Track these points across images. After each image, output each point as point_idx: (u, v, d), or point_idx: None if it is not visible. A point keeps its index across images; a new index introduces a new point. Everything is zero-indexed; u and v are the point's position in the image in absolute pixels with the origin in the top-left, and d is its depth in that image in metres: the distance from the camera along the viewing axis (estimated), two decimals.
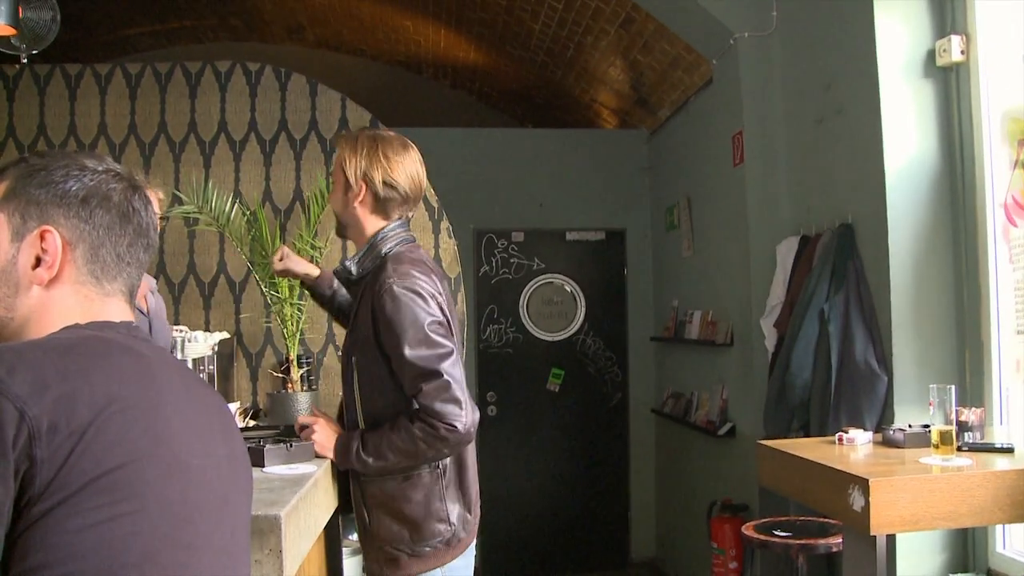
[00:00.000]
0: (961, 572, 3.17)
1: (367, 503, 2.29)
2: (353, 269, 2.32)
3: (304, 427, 2.40)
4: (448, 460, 2.28)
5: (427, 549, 2.25)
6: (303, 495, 1.99)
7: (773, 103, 4.18)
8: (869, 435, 2.69)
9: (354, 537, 3.93)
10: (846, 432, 2.68)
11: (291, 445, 2.33)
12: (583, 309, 6.26)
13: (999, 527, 3.08)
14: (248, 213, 4.09)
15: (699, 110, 5.14)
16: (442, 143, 5.69)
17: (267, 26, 6.62)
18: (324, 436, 2.34)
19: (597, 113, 6.67)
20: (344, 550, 3.51)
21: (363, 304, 2.25)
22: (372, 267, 2.29)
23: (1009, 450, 2.40)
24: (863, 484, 2.10)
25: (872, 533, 2.13)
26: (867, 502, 2.08)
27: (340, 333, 4.39)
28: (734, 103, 4.38)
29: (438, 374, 2.11)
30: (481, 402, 6.04)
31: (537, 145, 6.26)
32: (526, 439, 6.13)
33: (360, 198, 2.28)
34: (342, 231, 2.39)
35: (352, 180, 2.28)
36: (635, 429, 6.24)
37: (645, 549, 6.22)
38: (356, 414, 2.32)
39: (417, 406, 2.14)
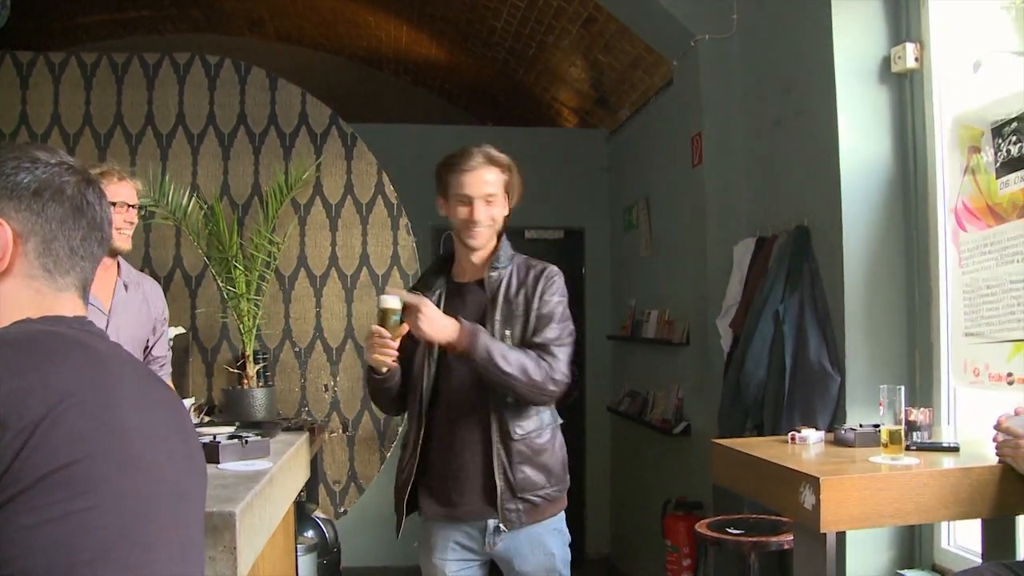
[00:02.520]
0: (908, 568, 3.24)
1: (512, 459, 2.46)
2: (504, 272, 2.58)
3: (397, 314, 2.37)
4: None
5: (556, 493, 2.54)
6: (259, 491, 1.98)
7: (732, 105, 4.22)
8: (821, 434, 2.73)
9: (310, 534, 3.92)
10: (799, 431, 2.71)
11: (246, 441, 2.32)
12: None
13: (944, 524, 3.15)
14: (205, 207, 4.05)
15: (659, 111, 5.18)
16: (402, 140, 5.67)
17: (227, 18, 6.55)
18: (439, 315, 2.38)
19: (558, 112, 6.69)
20: (299, 547, 3.50)
21: (509, 289, 2.52)
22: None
23: (955, 449, 2.45)
24: (814, 483, 2.13)
25: (822, 530, 2.16)
26: (818, 500, 2.11)
27: (297, 328, 4.38)
28: (694, 104, 4.41)
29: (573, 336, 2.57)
30: None
31: (496, 143, 6.14)
32: None
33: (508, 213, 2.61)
34: (483, 240, 2.55)
35: (513, 197, 2.63)
36: (591, 427, 6.27)
37: (600, 546, 6.25)
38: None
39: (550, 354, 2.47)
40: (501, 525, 2.45)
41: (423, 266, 4.97)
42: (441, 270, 2.62)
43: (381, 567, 5.73)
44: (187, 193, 3.98)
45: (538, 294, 2.54)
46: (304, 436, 2.91)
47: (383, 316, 2.35)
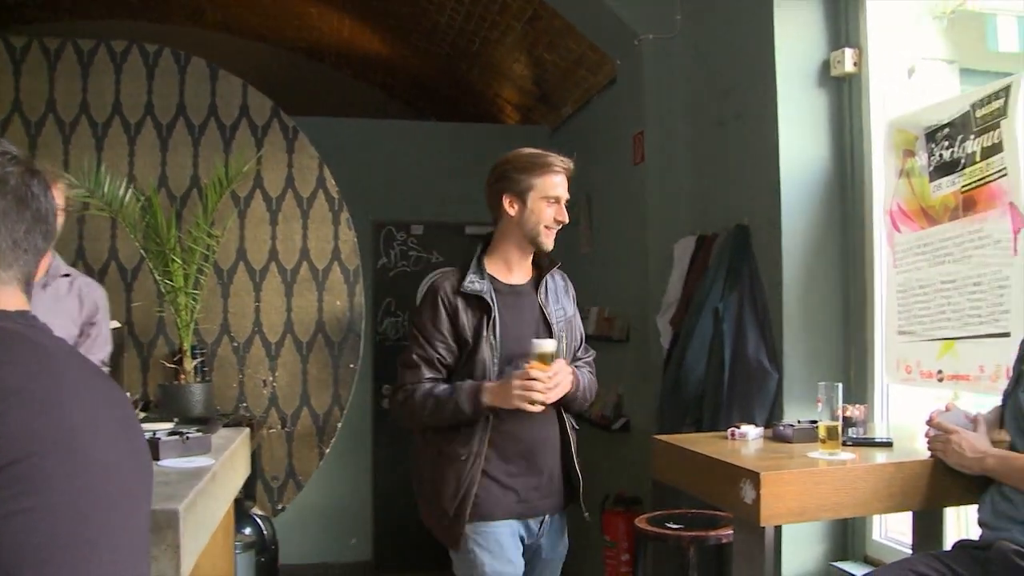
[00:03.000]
0: (841, 560, 3.32)
1: (578, 462, 2.69)
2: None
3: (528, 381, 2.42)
4: None
5: None
6: (201, 489, 1.95)
7: (674, 105, 4.26)
8: (760, 430, 2.77)
9: (247, 532, 3.87)
10: (738, 427, 2.75)
11: (187, 437, 2.28)
12: None
13: (876, 517, 3.24)
14: (143, 199, 3.96)
15: (601, 109, 5.21)
16: (343, 133, 5.63)
17: (166, 5, 6.42)
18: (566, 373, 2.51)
19: (500, 108, 6.69)
20: (236, 545, 3.46)
21: (552, 295, 2.66)
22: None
23: (888, 444, 2.52)
24: (754, 478, 2.16)
25: (762, 524, 2.20)
26: (758, 495, 2.14)
27: (235, 323, 4.32)
28: (636, 103, 4.45)
29: None
30: (376, 395, 6.00)
31: (439, 138, 6.24)
32: None
33: None
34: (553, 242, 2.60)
35: None
36: None
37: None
38: None
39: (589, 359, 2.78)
40: (554, 516, 2.65)
41: (364, 261, 4.94)
42: (480, 270, 2.56)
43: (319, 564, 5.69)
44: (123, 184, 3.88)
45: (572, 302, 2.75)
46: (245, 432, 2.87)
47: (543, 359, 2.42)
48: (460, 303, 2.47)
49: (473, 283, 2.48)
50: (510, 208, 2.53)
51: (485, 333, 2.46)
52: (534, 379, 2.38)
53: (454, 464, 2.47)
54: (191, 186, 4.27)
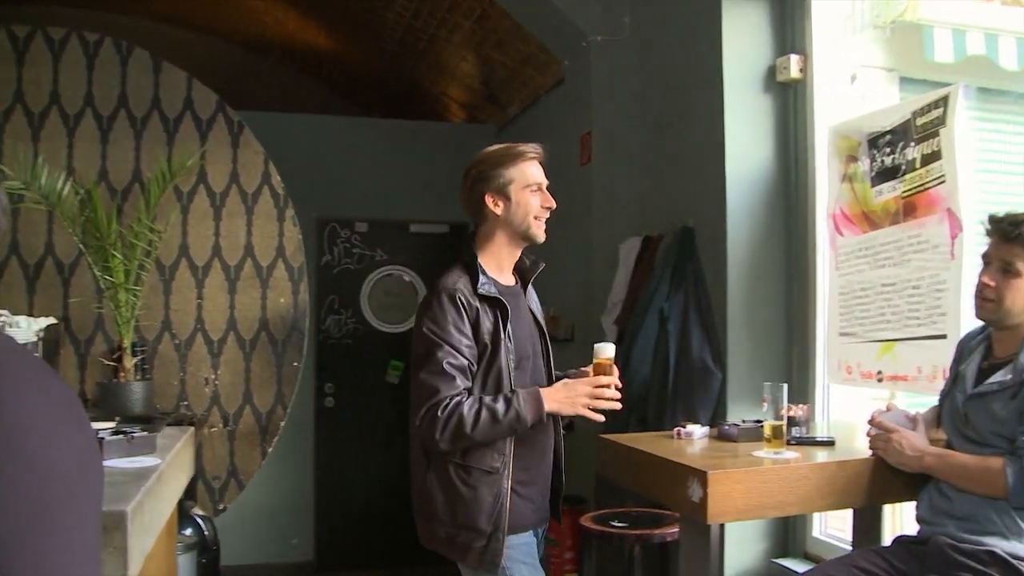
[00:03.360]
0: (782, 557, 3.38)
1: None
2: None
3: None
4: None
5: None
6: (148, 489, 1.91)
7: (622, 106, 4.29)
8: (705, 429, 2.81)
9: (188, 532, 3.80)
10: (683, 427, 2.78)
11: (132, 437, 2.24)
12: None
13: (816, 514, 3.30)
14: (82, 192, 3.86)
15: (549, 109, 5.22)
16: (287, 129, 5.56)
17: None
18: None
19: (446, 107, 6.67)
20: (177, 546, 3.40)
21: (533, 302, 2.57)
22: None
23: (830, 443, 2.57)
24: (701, 476, 2.19)
25: (709, 522, 2.23)
26: (705, 493, 2.17)
27: (177, 320, 4.24)
28: (584, 104, 4.47)
29: None
30: (319, 393, 5.95)
31: (384, 135, 6.21)
32: (364, 430, 6.07)
33: None
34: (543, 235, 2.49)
35: None
36: None
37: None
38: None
39: None
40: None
41: (308, 259, 4.89)
42: (483, 272, 2.39)
43: (261, 564, 5.62)
44: (61, 177, 3.79)
45: (538, 303, 2.64)
46: (190, 431, 2.82)
47: (603, 366, 2.40)
48: (479, 306, 2.32)
49: (486, 284, 2.35)
50: (495, 207, 2.39)
51: (503, 337, 2.34)
52: (604, 385, 2.33)
53: (488, 477, 2.29)
54: (133, 180, 4.17)
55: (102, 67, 4.21)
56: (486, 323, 2.32)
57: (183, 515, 3.72)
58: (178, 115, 4.26)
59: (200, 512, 3.99)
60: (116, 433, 2.26)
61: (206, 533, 3.91)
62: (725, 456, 2.48)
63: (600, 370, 2.40)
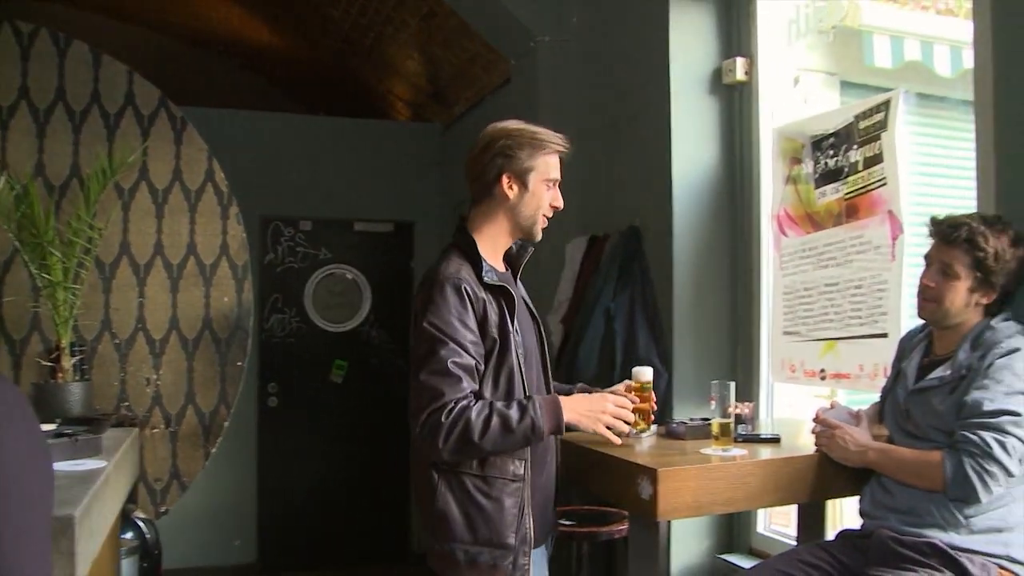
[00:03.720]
0: (727, 553, 3.43)
1: None
2: None
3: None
4: None
5: None
6: (95, 493, 1.88)
7: (569, 106, 4.31)
8: (653, 428, 2.84)
9: (129, 536, 3.73)
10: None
11: (76, 439, 2.19)
12: (369, 300, 6.22)
13: (760, 510, 3.36)
14: (17, 187, 3.75)
15: (495, 108, 5.23)
16: (230, 125, 5.49)
17: None
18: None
19: (391, 105, 6.64)
20: (120, 550, 3.34)
21: (523, 291, 2.39)
22: None
23: (776, 440, 2.61)
24: (651, 474, 2.20)
25: (659, 519, 2.25)
26: (655, 490, 2.19)
27: (117, 319, 4.15)
28: (531, 104, 4.48)
29: None
30: (262, 393, 5.88)
31: (328, 133, 6.16)
32: (308, 431, 6.02)
33: None
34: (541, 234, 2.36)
35: None
36: None
37: (425, 541, 6.24)
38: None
39: None
40: None
41: (254, 257, 4.83)
42: (482, 259, 2.21)
43: (203, 567, 5.54)
44: None
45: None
46: (134, 432, 2.77)
47: (643, 389, 2.42)
48: (485, 296, 2.13)
49: (490, 272, 2.17)
50: (509, 190, 2.21)
51: (511, 330, 2.14)
52: (624, 406, 2.27)
53: (511, 486, 2.13)
54: (71, 175, 4.06)
55: (38, 59, 4.09)
56: (493, 315, 2.13)
57: (124, 518, 3.65)
58: (119, 110, 4.16)
59: (141, 515, 3.91)
60: (59, 435, 2.21)
61: (148, 536, 3.83)
62: (673, 454, 2.49)
63: (639, 391, 2.43)
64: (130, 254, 4.16)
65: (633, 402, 2.42)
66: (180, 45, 6.90)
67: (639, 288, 3.60)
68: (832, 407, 2.52)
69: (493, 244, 2.25)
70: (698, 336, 3.49)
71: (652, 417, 2.55)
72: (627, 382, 2.51)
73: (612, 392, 2.48)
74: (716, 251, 3.52)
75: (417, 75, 5.89)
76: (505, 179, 2.21)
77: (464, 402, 2.02)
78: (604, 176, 4.08)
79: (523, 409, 2.05)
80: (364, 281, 6.19)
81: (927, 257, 2.24)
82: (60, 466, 2.06)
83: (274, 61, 6.94)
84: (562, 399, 2.15)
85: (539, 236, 2.31)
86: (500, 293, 2.16)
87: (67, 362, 3.68)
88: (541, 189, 2.24)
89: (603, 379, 3.65)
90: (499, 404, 2.05)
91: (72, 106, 4.10)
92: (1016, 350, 2.06)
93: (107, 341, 4.13)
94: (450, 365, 2.02)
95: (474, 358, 2.08)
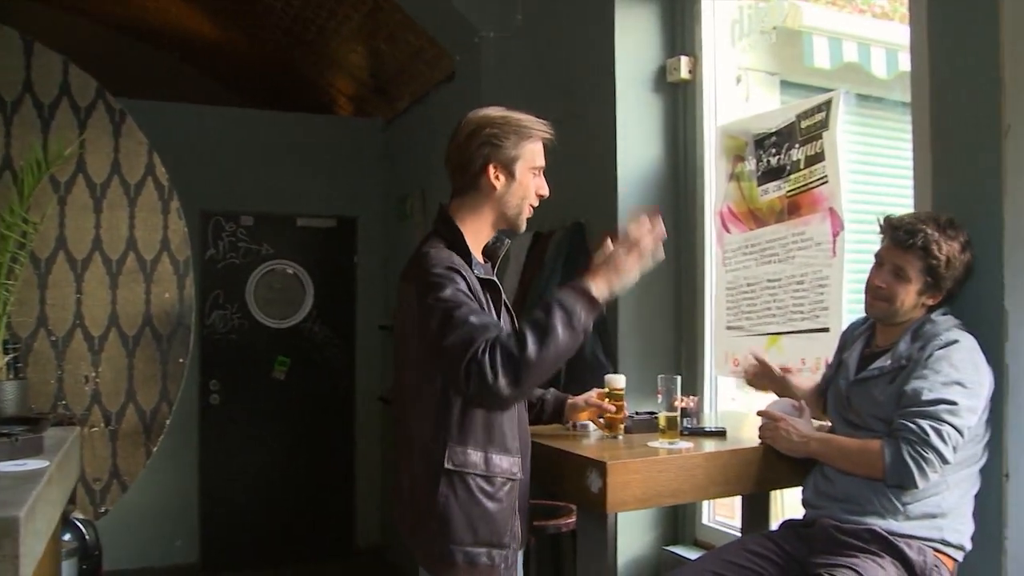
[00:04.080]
0: (672, 544, 3.48)
1: None
2: None
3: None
4: None
5: None
6: (39, 493, 1.84)
7: (514, 103, 4.23)
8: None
9: (67, 538, 3.65)
10: (578, 419, 2.83)
11: (17, 439, 2.15)
12: (311, 296, 6.17)
13: (705, 502, 3.42)
14: None
15: (439, 104, 5.22)
16: (172, 119, 5.40)
17: None
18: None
19: (333, 99, 6.59)
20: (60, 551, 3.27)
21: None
22: None
23: (721, 433, 2.65)
24: (600, 467, 2.23)
25: (608, 511, 2.29)
26: (604, 483, 2.22)
27: (54, 316, 4.06)
28: (475, 100, 4.48)
29: None
30: (203, 390, 5.80)
31: (270, 127, 6.09)
32: (250, 428, 5.96)
33: None
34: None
35: None
36: (362, 417, 6.25)
37: (370, 537, 6.25)
38: None
39: None
40: None
41: (195, 252, 4.76)
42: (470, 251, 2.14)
43: (144, 568, 5.46)
44: None
45: None
46: (76, 431, 2.72)
47: (616, 396, 2.50)
48: (478, 287, 2.07)
49: (479, 267, 2.12)
50: (496, 180, 2.14)
51: (501, 326, 2.05)
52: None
53: (510, 485, 2.11)
54: (3, 168, 3.95)
55: None
56: (484, 307, 2.05)
57: (63, 520, 3.58)
58: (53, 100, 4.05)
59: (80, 516, 3.84)
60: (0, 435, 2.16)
61: (87, 538, 3.76)
62: (620, 447, 2.52)
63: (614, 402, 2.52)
64: (67, 249, 4.07)
65: (608, 410, 2.51)
66: (116, 36, 6.76)
67: None
68: (777, 399, 2.58)
69: (476, 237, 2.18)
70: (643, 331, 3.53)
71: (623, 425, 2.59)
72: (598, 390, 2.57)
73: (586, 400, 2.55)
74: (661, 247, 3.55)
75: (360, 70, 5.86)
76: (492, 169, 2.15)
77: (492, 339, 1.90)
78: (549, 172, 4.06)
79: (547, 307, 1.95)
80: (307, 277, 6.14)
81: (879, 256, 2.29)
82: (1, 467, 2.02)
83: (214, 54, 6.84)
84: (581, 278, 2.02)
85: (524, 227, 2.27)
86: (488, 287, 2.12)
87: (0, 360, 3.59)
88: (528, 178, 2.20)
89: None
90: (529, 319, 1.95)
91: (3, 96, 3.99)
92: (955, 342, 2.13)
93: (43, 338, 4.04)
94: (471, 319, 1.93)
95: (490, 317, 2.00)
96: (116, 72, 5.55)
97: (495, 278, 2.18)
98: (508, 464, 2.10)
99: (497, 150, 2.15)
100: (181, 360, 4.23)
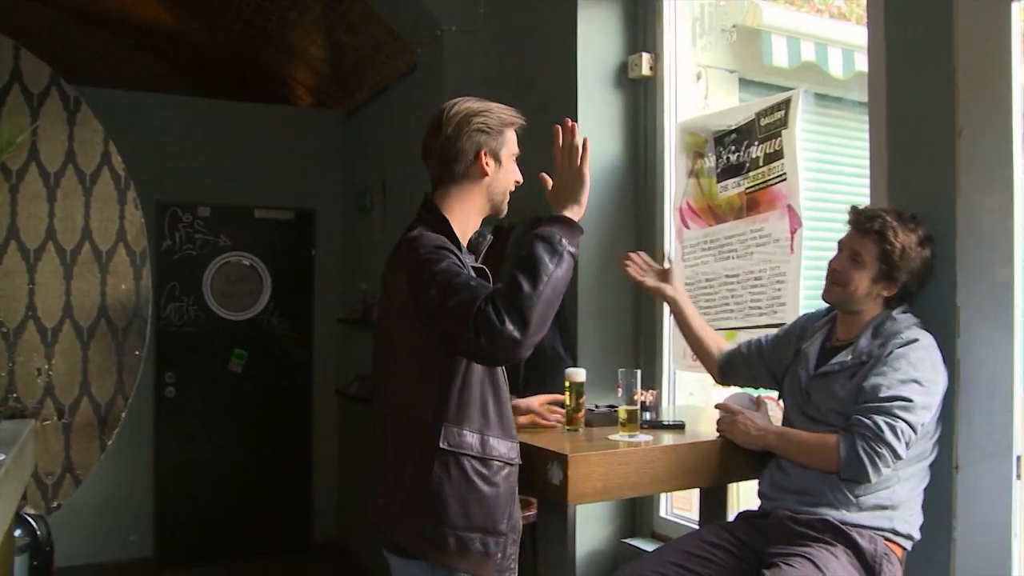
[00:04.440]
0: (630, 537, 3.52)
1: None
2: None
3: None
4: None
5: None
6: None
7: (476, 96, 4.31)
8: (559, 415, 2.88)
9: (18, 533, 3.60)
10: (517, 422, 2.84)
11: None
12: (269, 289, 6.12)
13: (663, 495, 3.46)
14: None
15: (400, 96, 5.20)
16: (128, 107, 5.32)
17: None
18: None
19: (292, 90, 6.54)
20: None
21: None
22: None
23: (680, 426, 2.69)
24: (562, 460, 2.26)
25: (570, 504, 2.31)
26: (565, 476, 2.24)
27: (5, 307, 4.01)
28: (436, 93, 4.47)
29: None
30: (159, 383, 5.73)
31: (229, 117, 6.02)
32: (207, 421, 5.89)
33: None
34: None
35: None
36: (319, 410, 6.22)
37: (328, 530, 6.23)
38: None
39: None
40: None
41: (151, 243, 4.70)
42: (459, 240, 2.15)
43: (97, 564, 5.38)
44: None
45: None
46: (31, 424, 2.68)
47: (576, 391, 2.52)
48: (470, 270, 2.05)
49: (468, 258, 2.13)
50: (487, 167, 2.17)
51: None
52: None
53: (507, 470, 2.11)
54: None
55: None
56: None
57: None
58: (4, 86, 3.99)
59: (31, 511, 3.78)
60: None
61: (39, 533, 3.71)
62: (581, 440, 2.54)
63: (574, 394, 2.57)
64: (19, 239, 4.01)
65: (546, 423, 2.57)
66: (69, 21, 6.62)
67: None
68: (733, 392, 2.62)
69: (463, 227, 2.18)
70: (602, 325, 3.56)
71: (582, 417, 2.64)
72: (542, 397, 2.64)
73: (527, 407, 2.61)
74: (620, 242, 3.58)
75: (320, 61, 5.81)
76: (484, 156, 2.17)
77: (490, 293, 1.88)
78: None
79: (528, 243, 1.95)
80: (264, 269, 6.09)
81: (840, 243, 2.35)
82: None
83: (170, 42, 6.74)
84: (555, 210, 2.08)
85: (504, 212, 2.30)
86: (479, 274, 2.10)
87: None
88: (511, 164, 2.25)
89: (508, 368, 3.68)
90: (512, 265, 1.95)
91: None
92: (914, 340, 2.18)
93: None
94: (471, 283, 1.91)
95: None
96: (68, 58, 5.45)
97: (484, 267, 2.18)
98: (506, 449, 2.10)
99: (488, 137, 2.18)
100: (137, 352, 4.20)
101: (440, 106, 2.22)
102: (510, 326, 1.83)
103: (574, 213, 2.07)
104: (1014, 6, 2.21)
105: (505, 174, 2.23)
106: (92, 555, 5.32)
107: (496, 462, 2.06)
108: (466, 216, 2.19)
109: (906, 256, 2.22)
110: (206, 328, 5.90)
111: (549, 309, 1.91)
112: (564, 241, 1.97)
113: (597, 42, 3.57)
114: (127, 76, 6.43)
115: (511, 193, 2.31)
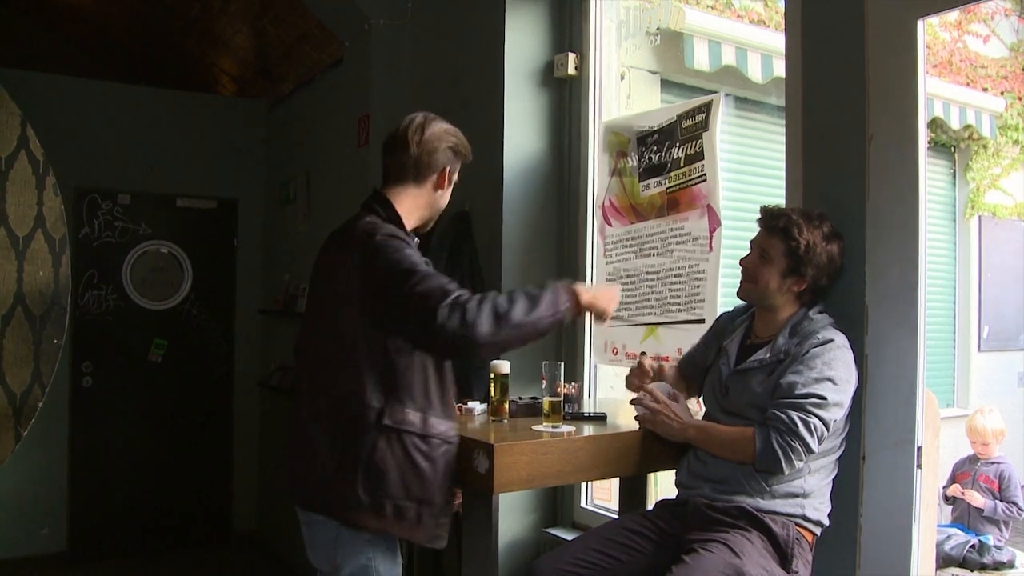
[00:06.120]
0: (552, 526, 3.59)
1: None
2: None
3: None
4: None
5: None
6: None
7: (402, 90, 4.34)
8: (484, 406, 2.93)
9: None
10: (465, 403, 2.90)
11: None
12: (190, 278, 6.04)
13: (583, 485, 3.55)
14: None
15: (326, 88, 5.19)
16: (40, 91, 5.19)
17: None
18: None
19: (216, 78, 6.45)
20: None
21: None
22: None
23: (602, 418, 2.76)
24: (488, 449, 2.30)
25: (496, 493, 2.36)
26: (491, 465, 2.29)
27: None
28: (363, 86, 4.48)
29: None
30: (75, 372, 5.61)
31: (150, 104, 5.92)
32: (125, 411, 5.79)
33: None
34: None
35: None
36: (240, 401, 6.16)
37: (247, 522, 6.18)
38: None
39: None
40: None
41: (71, 230, 4.60)
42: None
43: (7, 559, 5.25)
44: None
45: None
46: None
47: (501, 382, 2.60)
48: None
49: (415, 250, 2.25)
50: (440, 184, 2.39)
51: None
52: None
53: (445, 447, 2.28)
54: None
55: None
56: None
57: None
58: None
59: None
60: None
61: None
62: (505, 430, 2.59)
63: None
64: None
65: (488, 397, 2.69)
66: None
67: (468, 271, 3.68)
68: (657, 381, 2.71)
69: (408, 226, 2.34)
70: None
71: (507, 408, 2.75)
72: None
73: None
74: (544, 237, 3.65)
75: (245, 50, 5.75)
76: (447, 172, 2.38)
77: (467, 293, 2.07)
78: None
79: (541, 288, 2.15)
80: (185, 258, 6.01)
81: (752, 242, 2.45)
82: None
83: (83, 23, 6.54)
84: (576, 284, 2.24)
85: (429, 227, 2.48)
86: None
87: None
88: (450, 189, 2.44)
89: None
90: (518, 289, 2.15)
91: None
92: (829, 341, 2.29)
93: None
94: (436, 273, 2.10)
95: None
96: None
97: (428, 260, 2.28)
98: (445, 428, 2.27)
99: (454, 158, 2.41)
100: (56, 341, 4.12)
101: (417, 112, 2.45)
102: (481, 329, 2.01)
103: (586, 296, 2.23)
104: (920, 23, 2.34)
105: (443, 197, 2.42)
106: (10, 550, 5.19)
107: (435, 439, 2.24)
108: (411, 217, 2.35)
109: (811, 251, 2.33)
110: (125, 317, 5.80)
111: (515, 341, 2.11)
112: (563, 312, 2.17)
113: (524, 41, 3.63)
114: (41, 58, 6.25)
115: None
